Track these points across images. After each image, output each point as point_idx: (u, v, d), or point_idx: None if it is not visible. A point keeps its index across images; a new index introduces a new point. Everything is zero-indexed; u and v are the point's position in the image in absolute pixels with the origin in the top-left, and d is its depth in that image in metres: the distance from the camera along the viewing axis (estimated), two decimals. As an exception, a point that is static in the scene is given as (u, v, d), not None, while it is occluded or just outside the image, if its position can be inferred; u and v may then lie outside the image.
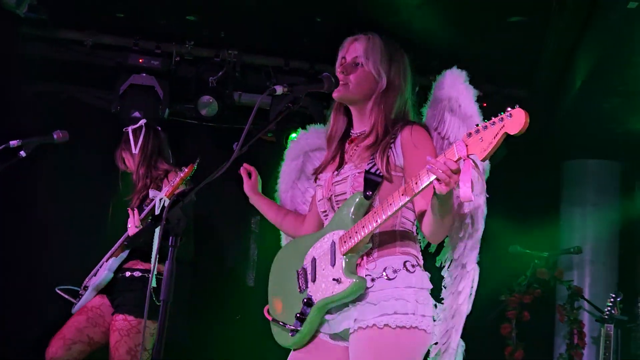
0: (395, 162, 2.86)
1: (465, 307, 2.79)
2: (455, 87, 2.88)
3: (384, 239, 2.85)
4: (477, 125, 2.44)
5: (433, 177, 2.48)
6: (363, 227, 2.73)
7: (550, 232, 6.81)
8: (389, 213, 2.65)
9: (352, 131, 3.08)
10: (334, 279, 2.78)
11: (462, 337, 2.80)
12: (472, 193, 2.46)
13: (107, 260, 4.64)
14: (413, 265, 2.83)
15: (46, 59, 6.14)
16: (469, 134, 2.44)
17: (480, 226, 2.79)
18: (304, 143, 3.46)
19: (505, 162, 6.19)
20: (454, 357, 2.81)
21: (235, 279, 6.57)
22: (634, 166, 6.79)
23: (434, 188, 2.51)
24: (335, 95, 2.97)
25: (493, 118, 2.39)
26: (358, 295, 2.77)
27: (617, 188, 6.83)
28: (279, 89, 2.75)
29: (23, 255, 6.06)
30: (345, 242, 2.79)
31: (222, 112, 6.17)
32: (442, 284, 2.96)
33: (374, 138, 2.93)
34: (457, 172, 2.44)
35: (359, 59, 2.96)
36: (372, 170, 2.85)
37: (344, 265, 2.78)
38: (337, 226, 2.86)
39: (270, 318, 3.06)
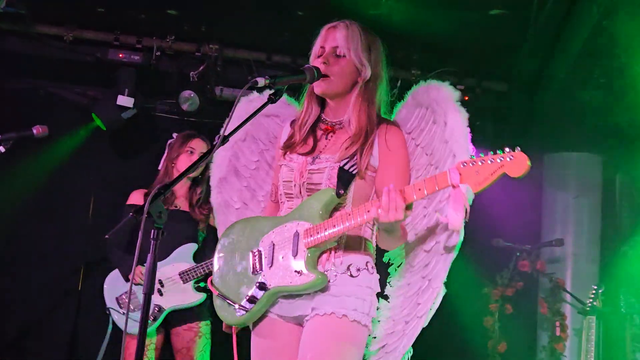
0: (370, 162, 2.85)
1: (424, 320, 2.82)
2: (445, 104, 2.84)
3: (352, 237, 2.85)
4: (472, 157, 2.43)
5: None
6: (334, 225, 2.73)
7: (532, 225, 6.83)
8: (359, 221, 2.69)
9: (324, 117, 3.01)
10: (295, 271, 2.78)
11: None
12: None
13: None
14: (372, 267, 2.88)
15: (25, 54, 6.08)
16: (464, 164, 2.44)
17: (455, 251, 2.79)
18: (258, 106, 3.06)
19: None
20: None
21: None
22: (615, 158, 6.82)
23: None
24: (317, 90, 2.93)
25: (492, 155, 2.39)
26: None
27: (599, 180, 6.86)
28: (261, 81, 2.70)
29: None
30: (311, 235, 2.77)
31: (204, 107, 6.14)
32: (387, 280, 3.00)
33: (356, 130, 2.87)
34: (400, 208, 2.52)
35: (340, 49, 2.90)
36: (347, 168, 2.83)
37: (306, 258, 2.78)
38: (303, 217, 2.84)
39: (215, 292, 2.98)
